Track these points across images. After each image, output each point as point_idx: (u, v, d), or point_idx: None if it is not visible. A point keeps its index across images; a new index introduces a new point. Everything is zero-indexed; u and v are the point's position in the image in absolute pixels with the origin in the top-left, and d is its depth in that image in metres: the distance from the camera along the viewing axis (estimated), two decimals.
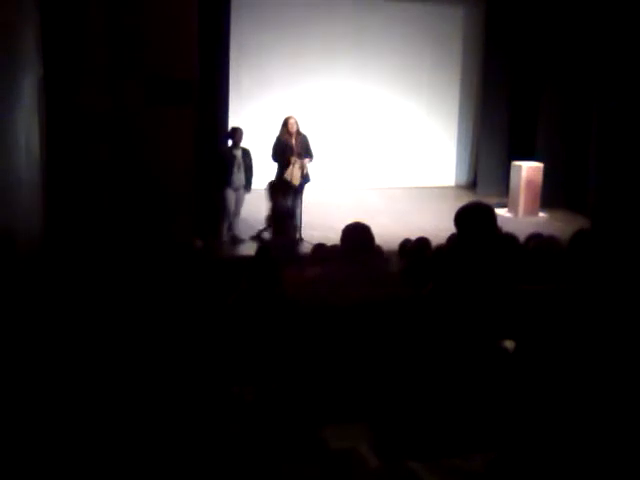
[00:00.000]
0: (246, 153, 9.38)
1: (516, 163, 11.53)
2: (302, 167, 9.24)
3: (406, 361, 3.39)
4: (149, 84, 8.24)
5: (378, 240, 5.19)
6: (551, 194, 11.61)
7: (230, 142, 9.36)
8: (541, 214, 11.46)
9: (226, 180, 9.21)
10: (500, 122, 12.63)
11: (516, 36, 12.30)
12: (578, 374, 3.24)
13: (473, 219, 3.41)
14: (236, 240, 9.37)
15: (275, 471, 2.80)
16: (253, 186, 9.55)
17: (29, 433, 3.19)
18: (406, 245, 6.82)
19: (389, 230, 7.76)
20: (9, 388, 3.63)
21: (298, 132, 9.32)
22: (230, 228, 9.40)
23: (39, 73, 6.89)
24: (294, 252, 8.65)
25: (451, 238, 5.82)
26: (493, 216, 3.44)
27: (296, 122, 9.31)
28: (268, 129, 10.35)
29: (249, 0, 11.51)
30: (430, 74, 13.25)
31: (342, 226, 4.37)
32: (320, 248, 6.26)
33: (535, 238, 5.92)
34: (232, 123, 10.20)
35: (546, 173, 11.46)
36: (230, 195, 9.27)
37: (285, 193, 9.29)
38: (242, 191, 9.41)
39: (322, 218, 9.99)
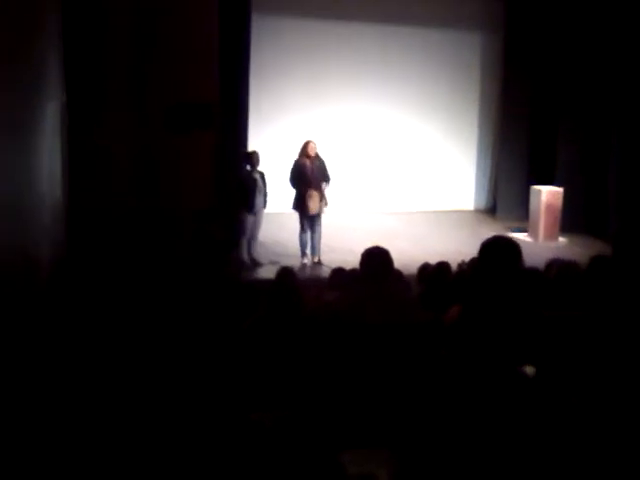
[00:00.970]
0: (262, 176, 9.42)
1: (536, 187, 11.49)
2: (320, 197, 9.29)
3: (427, 386, 3.37)
4: (169, 110, 8.34)
5: (397, 264, 5.18)
6: (571, 219, 11.54)
7: (248, 166, 9.39)
8: (561, 239, 11.39)
9: (248, 204, 9.25)
10: (519, 146, 12.62)
11: (535, 61, 12.33)
12: (597, 399, 3.21)
13: (498, 254, 3.38)
14: (255, 263, 9.40)
15: None
16: (267, 209, 9.60)
17: (48, 446, 3.20)
18: (425, 269, 6.80)
19: (408, 254, 7.75)
20: (30, 404, 3.65)
21: (317, 156, 9.36)
22: (249, 251, 9.43)
23: (62, 99, 7.00)
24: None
25: (472, 263, 5.81)
26: (518, 252, 3.42)
27: (315, 146, 9.36)
28: (287, 153, 10.42)
29: (269, 25, 11.63)
30: (449, 99, 13.29)
31: (361, 250, 4.36)
32: (339, 272, 6.25)
33: (556, 264, 5.88)
34: (252, 147, 10.28)
35: (566, 197, 11.41)
36: (250, 218, 9.31)
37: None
38: (261, 214, 9.45)
39: (341, 242, 10.01)
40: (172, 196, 8.64)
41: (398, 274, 5.92)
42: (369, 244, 4.54)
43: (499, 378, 3.09)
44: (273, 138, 12.02)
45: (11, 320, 4.94)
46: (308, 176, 9.26)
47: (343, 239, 10.18)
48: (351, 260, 6.07)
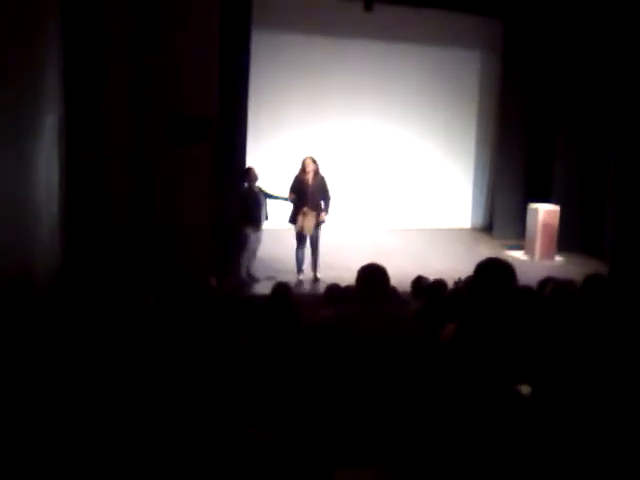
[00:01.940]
0: (261, 192, 9.43)
1: (533, 206, 11.51)
2: (317, 215, 9.31)
3: (423, 403, 3.36)
4: (168, 122, 8.36)
5: (394, 281, 5.16)
6: (568, 237, 11.56)
7: (246, 182, 9.38)
8: (558, 257, 11.41)
9: (252, 220, 9.26)
10: (516, 163, 12.66)
11: (532, 79, 12.40)
12: (593, 418, 3.21)
13: (492, 276, 3.42)
14: (253, 279, 9.39)
15: None
16: (265, 225, 9.61)
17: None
18: (419, 282, 6.83)
19: (405, 271, 7.74)
20: (26, 415, 3.64)
21: (316, 172, 9.37)
22: (248, 267, 9.42)
23: (61, 112, 7.02)
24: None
25: (468, 281, 5.81)
26: (512, 274, 3.45)
27: (312, 162, 9.37)
28: (285, 169, 10.44)
29: (269, 41, 11.69)
30: (447, 116, 13.36)
31: (358, 266, 4.37)
32: (334, 288, 6.25)
33: (550, 283, 5.88)
34: (250, 162, 10.30)
35: (563, 216, 11.44)
36: (252, 234, 9.31)
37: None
38: (261, 230, 9.46)
39: (338, 258, 10.01)
40: (169, 210, 8.64)
41: (393, 290, 5.93)
42: (366, 261, 4.53)
43: (494, 397, 3.09)
44: (271, 154, 12.06)
45: (8, 331, 4.93)
46: (305, 193, 9.28)
47: (340, 256, 10.19)
48: (348, 277, 6.06)
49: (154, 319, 5.42)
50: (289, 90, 12.27)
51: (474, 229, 13.71)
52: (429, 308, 5.59)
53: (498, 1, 11.61)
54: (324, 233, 9.67)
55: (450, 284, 6.62)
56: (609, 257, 10.66)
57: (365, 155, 12.97)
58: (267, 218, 9.49)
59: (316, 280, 9.41)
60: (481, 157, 13.79)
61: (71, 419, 3.76)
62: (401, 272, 7.05)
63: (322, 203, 9.41)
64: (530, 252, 11.36)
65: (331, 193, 9.50)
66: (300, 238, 9.44)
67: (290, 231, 9.62)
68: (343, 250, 10.67)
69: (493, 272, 3.41)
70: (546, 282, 5.86)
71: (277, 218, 9.87)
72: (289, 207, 9.49)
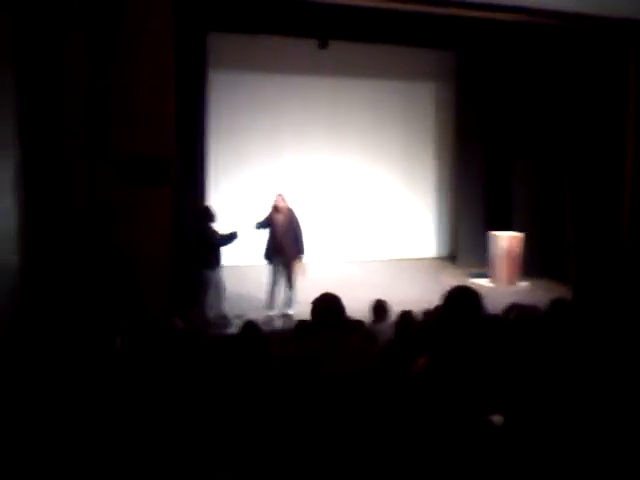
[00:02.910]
0: (215, 235, 9.37)
1: (495, 233, 11.63)
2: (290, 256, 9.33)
3: (393, 437, 3.31)
4: (122, 164, 8.28)
5: (359, 313, 5.13)
6: (531, 263, 11.69)
7: (206, 221, 9.30)
8: (522, 283, 11.50)
9: (214, 259, 9.18)
10: (476, 192, 12.82)
11: (487, 109, 12.63)
12: (566, 446, 3.19)
13: (460, 304, 3.42)
14: (224, 318, 9.26)
15: None
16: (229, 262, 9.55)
17: None
18: (378, 307, 6.85)
19: (371, 302, 7.72)
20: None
21: (287, 210, 9.38)
22: (217, 307, 9.31)
23: (17, 158, 6.91)
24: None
25: (437, 312, 5.80)
26: (479, 301, 3.46)
27: (281, 198, 9.39)
28: (247, 205, 10.42)
29: (225, 79, 11.75)
30: (405, 148, 13.52)
31: None
32: (303, 324, 6.20)
33: (515, 309, 5.90)
34: (211, 200, 10.25)
35: (525, 242, 11.57)
36: (217, 274, 9.23)
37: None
38: (221, 269, 9.38)
39: (305, 293, 9.93)
40: (127, 251, 8.51)
41: (359, 323, 5.90)
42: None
43: (467, 427, 3.06)
44: (232, 192, 12.04)
45: None
46: (277, 232, 9.28)
47: (306, 291, 10.12)
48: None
49: (122, 364, 5.31)
50: (247, 128, 12.30)
51: (438, 258, 13.79)
52: (398, 340, 5.57)
53: (450, 34, 11.82)
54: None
55: (416, 314, 6.61)
56: (572, 282, 10.79)
57: (325, 189, 13.03)
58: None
59: (286, 316, 9.35)
60: (441, 187, 13.95)
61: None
62: (366, 303, 7.05)
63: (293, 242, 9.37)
64: (495, 279, 11.44)
65: (301, 228, 9.49)
66: (274, 273, 9.41)
67: (253, 268, 9.57)
68: (307, 284, 10.61)
69: (461, 300, 3.41)
70: (511, 308, 5.88)
71: (239, 254, 9.82)
72: (254, 243, 9.46)
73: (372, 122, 13.15)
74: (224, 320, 9.20)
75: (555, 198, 12.01)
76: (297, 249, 9.40)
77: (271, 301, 9.48)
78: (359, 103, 13.02)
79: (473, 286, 3.74)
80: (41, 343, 6.08)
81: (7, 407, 4.43)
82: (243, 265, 9.98)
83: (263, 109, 12.39)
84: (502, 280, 11.36)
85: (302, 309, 8.97)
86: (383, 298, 7.21)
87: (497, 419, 3.19)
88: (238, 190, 12.14)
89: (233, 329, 8.26)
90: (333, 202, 13.09)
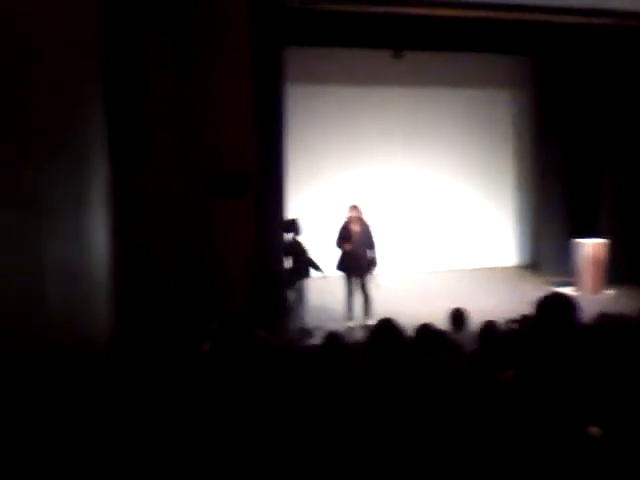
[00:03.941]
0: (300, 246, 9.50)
1: (580, 240, 11.35)
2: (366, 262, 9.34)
3: (484, 448, 3.28)
4: (210, 179, 8.54)
5: (440, 324, 5.07)
6: (616, 270, 11.35)
7: (292, 233, 9.43)
8: (608, 291, 11.18)
9: (306, 271, 9.31)
10: (558, 199, 12.53)
11: (568, 112, 12.32)
12: None
13: (555, 312, 3.33)
14: (303, 330, 9.33)
15: None
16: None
17: None
18: (457, 315, 6.80)
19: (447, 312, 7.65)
20: None
21: (360, 220, 9.43)
22: (297, 317, 9.41)
23: (107, 169, 7.13)
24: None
25: (522, 321, 5.72)
26: (574, 309, 3.36)
27: (355, 209, 9.44)
28: (325, 217, 10.50)
29: (302, 92, 11.86)
30: (483, 156, 13.34)
31: (406, 311, 4.34)
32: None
33: (605, 317, 5.77)
34: (290, 212, 10.39)
35: (610, 249, 11.25)
36: (303, 285, 9.35)
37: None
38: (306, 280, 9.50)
39: (384, 304, 9.89)
40: (214, 262, 8.71)
41: (441, 335, 5.86)
42: (412, 305, 4.49)
43: (566, 441, 3.00)
44: (311, 203, 12.14)
45: (72, 390, 4.96)
46: (352, 239, 9.34)
47: (385, 301, 10.09)
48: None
49: (210, 369, 5.42)
50: (324, 140, 12.38)
51: (518, 267, 13.54)
52: (482, 350, 5.50)
53: (526, 40, 11.65)
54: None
55: (498, 324, 6.51)
56: None
57: (402, 198, 12.97)
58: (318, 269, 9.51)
59: (366, 327, 9.32)
60: (521, 194, 13.69)
61: None
62: (444, 313, 7.02)
63: (368, 251, 9.41)
64: (579, 287, 11.15)
65: (375, 239, 9.52)
66: (349, 284, 9.44)
67: (334, 279, 9.61)
68: (387, 295, 10.58)
69: (557, 308, 3.32)
70: (601, 317, 5.75)
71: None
72: (332, 255, 9.51)
73: (449, 131, 13.05)
74: (306, 332, 9.26)
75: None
76: (371, 260, 9.41)
77: (349, 312, 9.50)
78: (436, 112, 12.95)
79: None
80: (141, 348, 6.26)
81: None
82: (314, 276, 10.02)
83: (339, 121, 12.45)
84: (587, 288, 11.07)
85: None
86: (462, 307, 7.14)
87: (595, 431, 3.12)
88: (315, 201, 12.23)
89: (315, 340, 8.32)
90: (410, 212, 13.02)
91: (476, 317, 6.87)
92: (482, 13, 9.94)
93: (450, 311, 7.01)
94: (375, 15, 10.04)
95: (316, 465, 3.84)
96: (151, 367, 5.61)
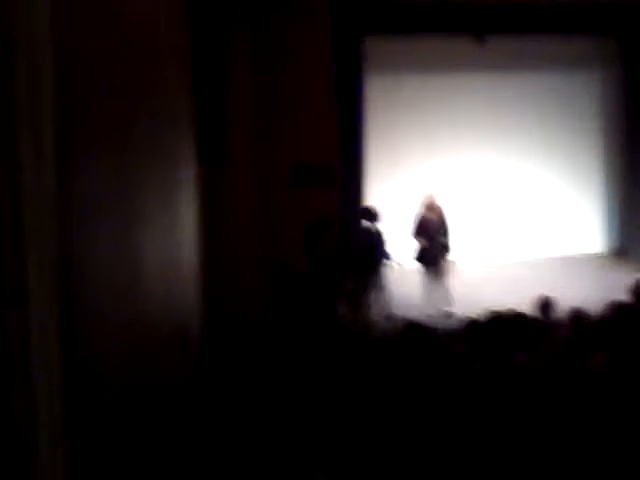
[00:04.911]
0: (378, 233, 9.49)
1: None
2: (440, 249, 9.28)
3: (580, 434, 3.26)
4: (294, 171, 8.64)
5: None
6: None
7: (370, 221, 9.44)
8: None
9: (385, 256, 9.34)
10: None
11: None
12: None
13: None
14: (390, 317, 9.36)
15: None
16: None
17: None
18: (545, 304, 6.71)
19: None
20: None
21: (436, 208, 9.39)
22: (379, 305, 9.42)
23: (194, 167, 7.30)
24: None
25: (612, 308, 5.60)
26: None
27: (430, 197, 9.42)
28: (404, 206, 10.47)
29: (382, 81, 11.82)
30: (569, 142, 12.98)
31: (493, 301, 4.32)
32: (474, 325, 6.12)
33: None
34: (370, 201, 10.41)
35: None
36: (384, 272, 9.38)
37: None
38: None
39: (467, 294, 9.80)
40: (296, 249, 8.80)
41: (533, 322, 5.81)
42: (498, 295, 4.46)
43: None
44: (390, 192, 12.11)
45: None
46: (427, 228, 9.30)
47: (469, 292, 9.99)
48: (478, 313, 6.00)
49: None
50: (405, 130, 12.29)
51: (607, 254, 13.14)
52: (573, 338, 5.42)
53: (610, 18, 11.27)
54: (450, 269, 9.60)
55: (590, 312, 6.39)
56: None
57: (487, 188, 12.78)
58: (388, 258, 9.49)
59: (448, 315, 9.27)
60: (610, 180, 13.28)
61: None
62: (531, 302, 6.94)
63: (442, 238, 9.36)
64: None
65: (450, 227, 9.42)
66: (428, 274, 9.41)
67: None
68: (472, 285, 10.47)
69: None
70: None
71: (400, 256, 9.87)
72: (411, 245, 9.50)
73: (533, 116, 12.74)
74: (389, 319, 9.28)
75: None
76: (444, 246, 9.35)
77: (429, 300, 9.46)
78: (518, 97, 12.67)
79: None
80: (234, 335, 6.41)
81: None
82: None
83: (420, 111, 12.34)
84: None
85: (467, 308, 8.90)
86: (553, 297, 7.02)
87: None
88: (395, 191, 12.19)
89: (397, 329, 8.32)
90: (494, 200, 12.82)
91: (563, 305, 6.76)
92: None
93: (537, 299, 6.91)
94: (454, 2, 9.91)
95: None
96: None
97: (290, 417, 4.75)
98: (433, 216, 9.37)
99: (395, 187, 12.26)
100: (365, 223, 9.48)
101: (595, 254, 13.10)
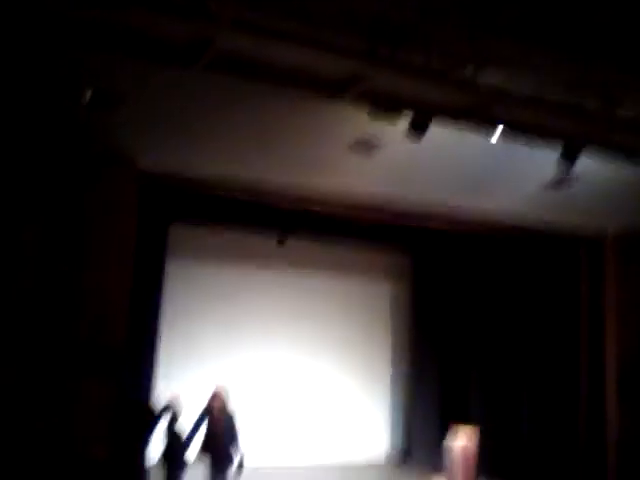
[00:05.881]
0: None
1: (449, 443, 11.31)
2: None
3: None
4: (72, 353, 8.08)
5: None
6: (488, 461, 11.31)
7: (170, 418, 8.84)
8: None
9: (184, 459, 8.71)
10: (431, 394, 12.60)
11: (443, 308, 12.73)
12: None
13: None
14: None
15: None
16: None
17: None
18: None
19: None
20: None
21: (224, 409, 8.93)
22: None
23: None
24: None
25: None
26: None
27: (221, 395, 8.98)
28: (198, 400, 10.07)
29: (183, 271, 11.79)
30: (361, 346, 13.42)
31: None
32: None
33: None
34: (162, 391, 9.93)
35: (481, 442, 11.26)
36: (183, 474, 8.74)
37: None
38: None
39: None
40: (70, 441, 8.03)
41: None
42: None
43: None
44: (184, 383, 11.68)
45: None
46: (213, 430, 8.83)
47: None
48: None
49: None
50: (203, 319, 12.18)
51: (390, 459, 13.25)
52: None
53: (405, 238, 12.16)
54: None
55: None
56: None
57: (277, 386, 12.70)
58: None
59: None
60: (396, 385, 13.71)
61: None
62: None
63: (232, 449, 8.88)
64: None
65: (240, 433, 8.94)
66: (212, 471, 8.86)
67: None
68: None
69: None
70: None
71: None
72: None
73: (328, 319, 13.15)
74: None
75: (511, 400, 11.87)
76: (234, 448, 8.85)
77: None
78: (315, 300, 13.09)
79: None
80: None
81: None
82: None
83: (218, 301, 12.35)
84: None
85: None
86: None
87: None
88: (189, 382, 11.79)
89: None
90: (287, 401, 12.72)
91: None
92: (367, 214, 10.17)
93: None
94: (258, 204, 10.15)
95: None
96: None
97: None
98: (220, 415, 8.84)
99: (190, 378, 11.86)
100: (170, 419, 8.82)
101: (377, 463, 13.13)
